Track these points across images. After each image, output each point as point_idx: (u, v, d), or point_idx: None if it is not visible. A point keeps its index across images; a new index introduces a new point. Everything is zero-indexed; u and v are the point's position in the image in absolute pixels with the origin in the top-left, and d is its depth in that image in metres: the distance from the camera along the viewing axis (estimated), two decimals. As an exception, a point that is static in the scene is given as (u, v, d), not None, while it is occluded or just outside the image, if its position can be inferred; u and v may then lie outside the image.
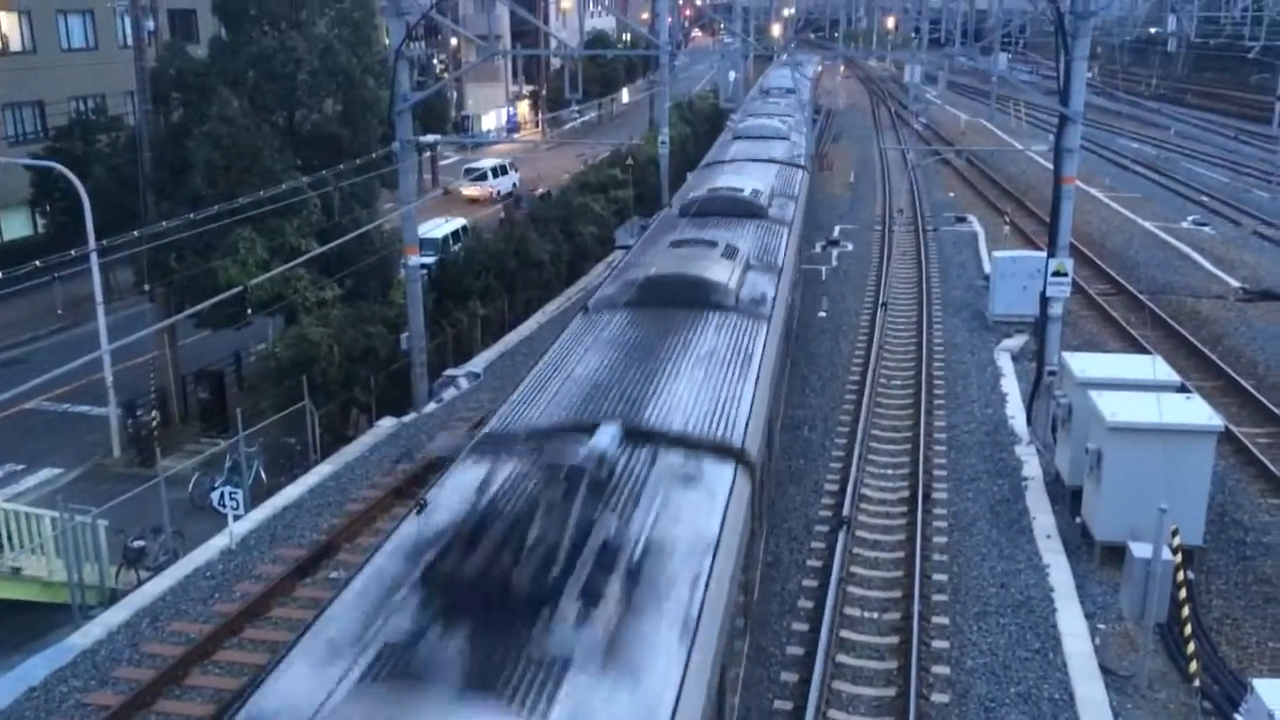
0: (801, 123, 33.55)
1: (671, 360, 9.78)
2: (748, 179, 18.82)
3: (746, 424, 8.63)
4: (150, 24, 27.38)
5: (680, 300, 11.52)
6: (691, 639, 5.66)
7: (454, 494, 7.00)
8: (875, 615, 13.33)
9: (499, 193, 45.61)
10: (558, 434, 7.88)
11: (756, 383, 9.60)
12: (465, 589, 5.57)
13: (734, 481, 7.60)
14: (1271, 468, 17.02)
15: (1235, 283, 28.47)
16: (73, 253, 19.31)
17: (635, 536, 6.38)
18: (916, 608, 13.07)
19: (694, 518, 6.85)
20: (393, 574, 6.02)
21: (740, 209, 16.92)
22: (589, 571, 5.76)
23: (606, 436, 7.44)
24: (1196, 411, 14.24)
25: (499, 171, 47.43)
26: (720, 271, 12.23)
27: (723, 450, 8.00)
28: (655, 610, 5.78)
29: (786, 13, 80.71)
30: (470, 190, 45.36)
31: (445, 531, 6.31)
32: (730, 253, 13.11)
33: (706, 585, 6.16)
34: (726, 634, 6.39)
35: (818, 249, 32.12)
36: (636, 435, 7.84)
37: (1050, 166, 19.33)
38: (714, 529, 6.82)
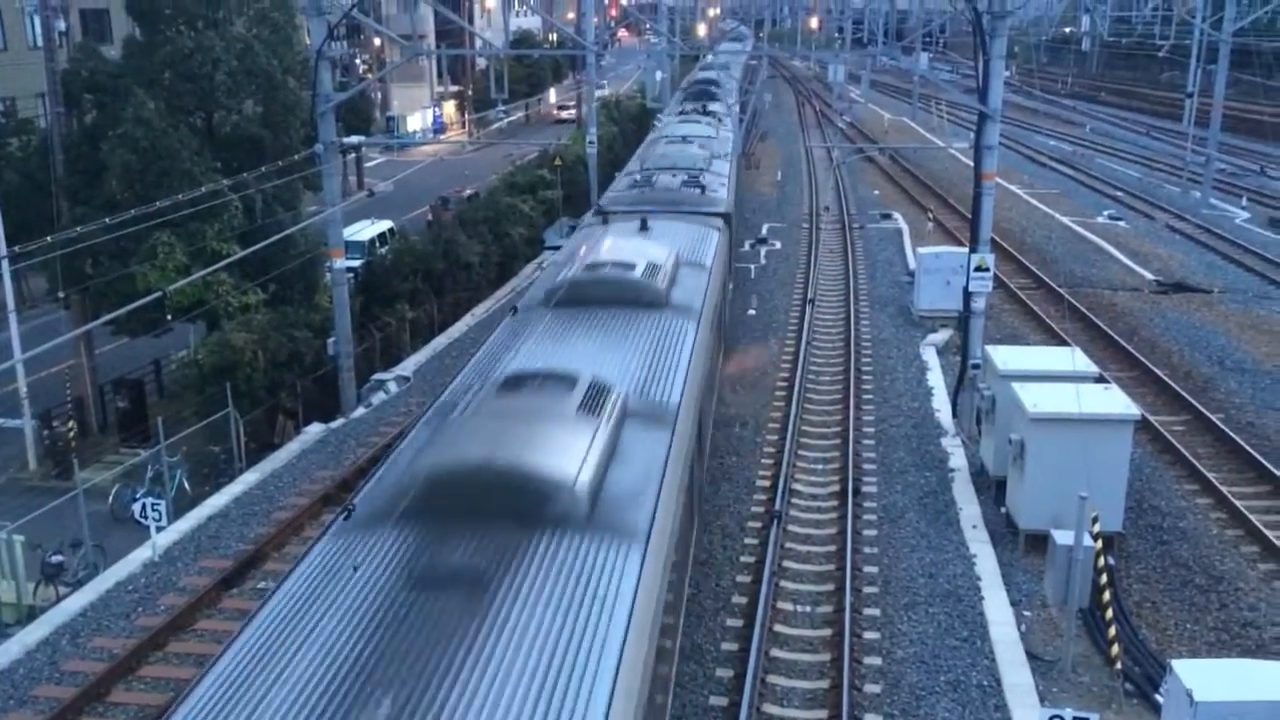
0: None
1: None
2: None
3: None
4: (61, 24, 26.67)
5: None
6: None
7: None
8: (808, 609, 13.46)
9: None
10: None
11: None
12: None
13: None
14: (1187, 455, 17.53)
15: (1150, 275, 29.29)
16: (-18, 260, 18.74)
17: None
18: (848, 600, 13.22)
19: None
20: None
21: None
22: None
23: None
24: (1114, 401, 14.62)
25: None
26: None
27: None
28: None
29: (712, 13, 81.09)
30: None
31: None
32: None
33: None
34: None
35: (746, 247, 32.34)
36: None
37: (971, 163, 19.69)
38: None
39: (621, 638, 5.98)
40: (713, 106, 35.25)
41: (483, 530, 6.78)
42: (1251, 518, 15.44)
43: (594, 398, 8.50)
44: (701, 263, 14.88)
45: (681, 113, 33.32)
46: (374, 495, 7.71)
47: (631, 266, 12.56)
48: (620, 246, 13.42)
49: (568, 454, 7.50)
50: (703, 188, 19.98)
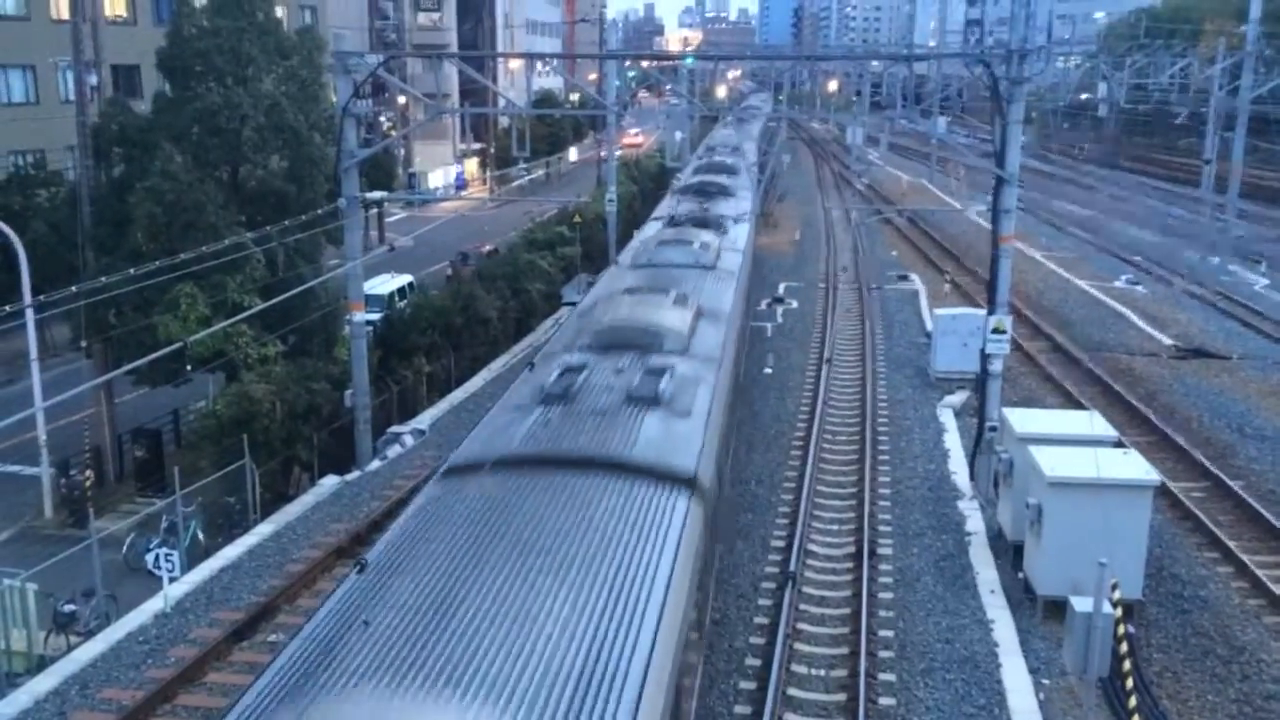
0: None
1: None
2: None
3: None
4: (93, 79, 27.14)
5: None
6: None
7: None
8: (822, 672, 13.29)
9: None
10: None
11: None
12: None
13: None
14: (1206, 521, 17.34)
15: (1168, 340, 29.19)
16: (7, 308, 18.89)
17: None
18: (863, 664, 13.06)
19: None
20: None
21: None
22: None
23: None
24: (1133, 466, 14.50)
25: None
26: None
27: None
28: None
29: (732, 75, 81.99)
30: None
31: None
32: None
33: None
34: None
35: (763, 306, 32.43)
36: None
37: (989, 226, 19.77)
38: None
39: None
40: (742, 128, 54.67)
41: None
42: (1273, 587, 15.23)
43: (730, 182, 26.33)
44: (749, 169, 33.95)
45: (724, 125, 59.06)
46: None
47: (725, 161, 32.86)
48: (716, 160, 34.08)
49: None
50: (740, 152, 39.91)
